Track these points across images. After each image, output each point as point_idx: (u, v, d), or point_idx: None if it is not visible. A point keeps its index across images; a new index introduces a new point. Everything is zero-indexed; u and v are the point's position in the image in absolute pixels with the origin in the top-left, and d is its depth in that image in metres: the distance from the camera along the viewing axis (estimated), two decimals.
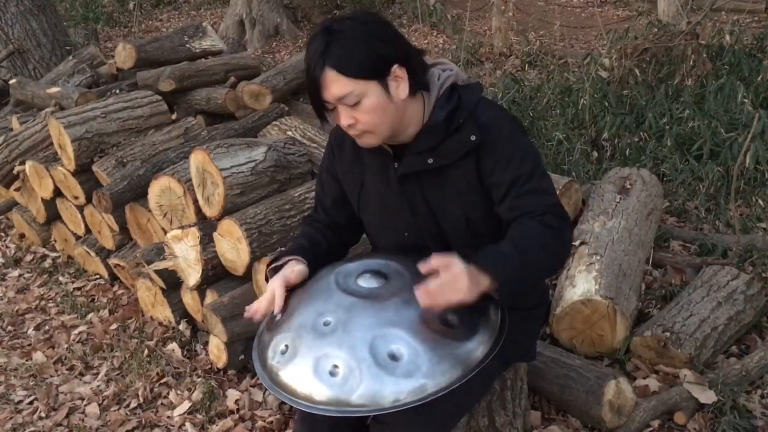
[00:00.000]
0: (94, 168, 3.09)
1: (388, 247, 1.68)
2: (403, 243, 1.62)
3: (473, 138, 1.47)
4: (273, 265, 1.60)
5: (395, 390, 1.29)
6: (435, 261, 1.34)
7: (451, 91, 1.52)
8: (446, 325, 1.37)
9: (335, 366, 1.32)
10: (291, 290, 1.53)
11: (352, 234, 1.79)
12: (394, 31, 1.46)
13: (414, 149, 1.52)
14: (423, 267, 1.36)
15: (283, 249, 1.81)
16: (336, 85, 1.39)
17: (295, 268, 1.55)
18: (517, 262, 1.37)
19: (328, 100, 1.42)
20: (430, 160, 1.50)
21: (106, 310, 3.08)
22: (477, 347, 1.37)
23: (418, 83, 1.47)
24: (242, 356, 2.53)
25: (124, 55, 4.38)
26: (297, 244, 1.65)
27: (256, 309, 1.52)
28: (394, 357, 1.32)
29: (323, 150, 3.07)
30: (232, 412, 2.35)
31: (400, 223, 1.61)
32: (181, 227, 2.65)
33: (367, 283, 1.47)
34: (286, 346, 1.41)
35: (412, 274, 1.46)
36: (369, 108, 1.42)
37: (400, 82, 1.43)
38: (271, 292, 1.52)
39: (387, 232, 1.66)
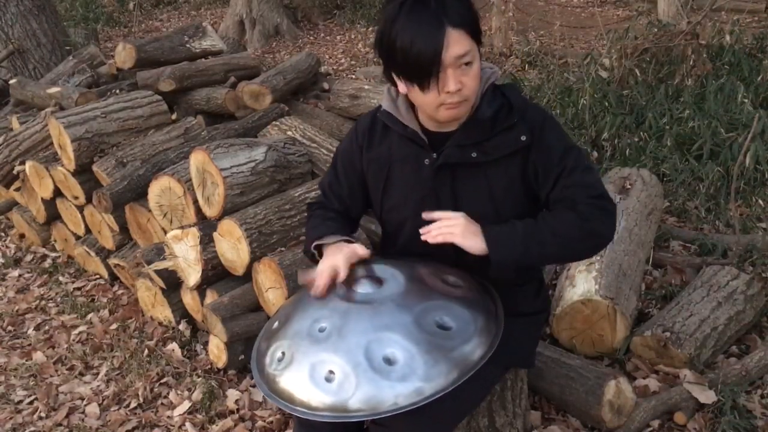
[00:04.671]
0: (94, 168, 3.09)
1: (402, 243, 1.65)
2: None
3: (524, 138, 1.47)
4: (317, 243, 1.60)
5: (392, 394, 1.28)
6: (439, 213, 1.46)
7: (494, 89, 1.52)
8: (442, 328, 1.37)
9: (331, 371, 1.32)
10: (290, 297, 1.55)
11: (355, 228, 1.78)
12: None
13: (457, 141, 1.50)
14: (426, 215, 1.46)
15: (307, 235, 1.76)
16: (459, 43, 1.34)
17: (356, 245, 1.55)
18: (520, 247, 1.42)
19: (447, 60, 1.34)
20: (474, 154, 1.49)
21: (106, 310, 3.08)
22: (474, 350, 1.36)
23: None
24: (242, 356, 2.53)
25: (124, 55, 4.38)
26: (334, 227, 1.64)
27: (319, 286, 1.48)
28: (389, 361, 1.31)
29: (323, 150, 3.10)
30: (232, 412, 2.35)
31: (421, 214, 1.57)
32: (181, 227, 2.65)
33: (362, 288, 1.47)
34: (283, 353, 1.40)
35: (407, 278, 1.45)
36: (476, 72, 1.40)
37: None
38: (333, 269, 1.48)
39: (408, 223, 1.62)
